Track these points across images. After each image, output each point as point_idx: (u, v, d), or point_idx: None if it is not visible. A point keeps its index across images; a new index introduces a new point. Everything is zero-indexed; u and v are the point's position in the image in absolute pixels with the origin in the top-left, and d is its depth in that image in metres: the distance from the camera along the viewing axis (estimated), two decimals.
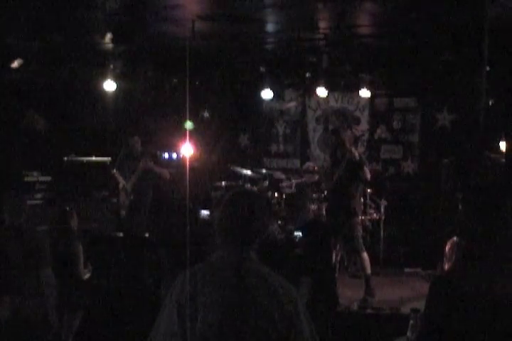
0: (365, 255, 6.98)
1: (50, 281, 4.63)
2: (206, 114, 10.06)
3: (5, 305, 4.42)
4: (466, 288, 2.27)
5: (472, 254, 2.35)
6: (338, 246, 7.88)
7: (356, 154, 6.89)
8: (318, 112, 9.97)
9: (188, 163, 8.93)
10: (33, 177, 8.87)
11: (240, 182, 8.79)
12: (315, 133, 9.99)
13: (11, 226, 4.75)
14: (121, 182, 8.36)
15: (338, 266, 8.06)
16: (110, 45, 7.63)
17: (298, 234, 6.95)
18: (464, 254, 2.41)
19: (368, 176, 6.95)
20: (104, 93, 8.34)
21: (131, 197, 8.30)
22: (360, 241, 7.03)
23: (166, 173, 8.42)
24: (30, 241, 4.66)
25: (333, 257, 6.99)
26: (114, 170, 8.49)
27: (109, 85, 8.11)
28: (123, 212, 8.39)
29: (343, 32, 7.25)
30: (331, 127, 9.88)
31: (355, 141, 7.23)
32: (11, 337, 4.41)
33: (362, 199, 8.36)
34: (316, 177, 8.74)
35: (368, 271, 6.94)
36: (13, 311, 4.44)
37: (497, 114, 7.83)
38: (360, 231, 7.09)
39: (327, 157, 9.77)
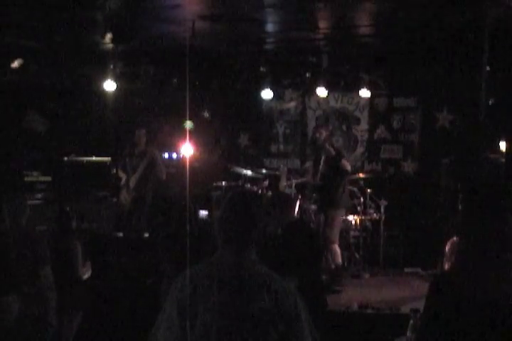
0: (335, 247, 7.26)
1: (49, 281, 4.63)
2: (206, 114, 10.06)
3: (12, 305, 4.42)
4: (466, 288, 2.27)
5: (472, 254, 2.35)
6: None
7: (331, 150, 7.31)
8: (318, 112, 9.96)
9: (188, 163, 8.93)
10: (33, 177, 8.87)
11: (240, 182, 8.78)
12: None
13: (11, 225, 4.75)
14: (123, 178, 8.42)
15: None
16: (110, 45, 7.62)
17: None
18: (464, 254, 2.40)
19: (348, 168, 7.37)
20: (104, 93, 8.34)
21: (133, 194, 8.34)
22: (336, 232, 7.29)
23: (162, 171, 8.45)
24: (29, 241, 4.67)
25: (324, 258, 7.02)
26: (119, 170, 8.54)
27: (109, 85, 8.11)
28: (123, 211, 8.42)
29: (343, 32, 7.25)
30: (331, 127, 9.88)
31: (330, 137, 7.78)
32: (11, 337, 4.41)
33: (362, 198, 8.39)
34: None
35: (339, 260, 7.28)
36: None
37: (497, 114, 7.82)
38: (339, 224, 7.38)
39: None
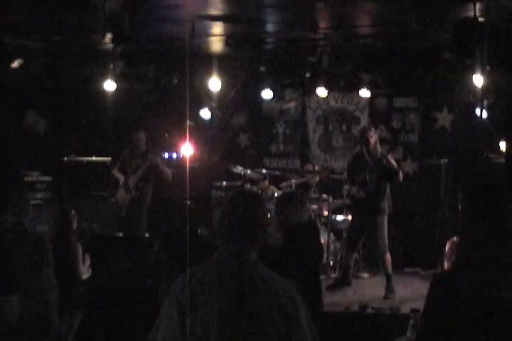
0: (388, 256, 7.18)
1: (50, 281, 4.63)
2: (206, 114, 10.05)
3: (13, 305, 4.41)
4: (466, 288, 2.27)
5: (472, 254, 2.35)
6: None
7: (394, 163, 7.19)
8: (318, 112, 9.95)
9: (188, 163, 8.93)
10: (33, 177, 8.88)
11: (240, 182, 8.77)
12: (315, 133, 9.97)
13: (14, 226, 4.76)
14: (121, 178, 8.45)
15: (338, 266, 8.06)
16: (110, 45, 7.61)
17: None
18: (464, 254, 2.40)
19: (401, 178, 7.24)
20: (104, 93, 8.34)
21: (133, 194, 8.36)
22: (386, 241, 7.17)
23: (169, 173, 8.47)
24: (32, 241, 4.67)
25: (324, 258, 6.97)
26: (114, 170, 8.57)
27: (109, 85, 8.11)
28: (122, 210, 8.44)
29: (343, 32, 7.25)
30: (331, 127, 9.87)
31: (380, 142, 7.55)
32: (11, 337, 4.41)
33: None
34: (318, 177, 8.73)
35: (390, 270, 7.15)
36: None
37: (497, 114, 7.82)
38: (386, 231, 7.23)
39: (327, 157, 9.82)
